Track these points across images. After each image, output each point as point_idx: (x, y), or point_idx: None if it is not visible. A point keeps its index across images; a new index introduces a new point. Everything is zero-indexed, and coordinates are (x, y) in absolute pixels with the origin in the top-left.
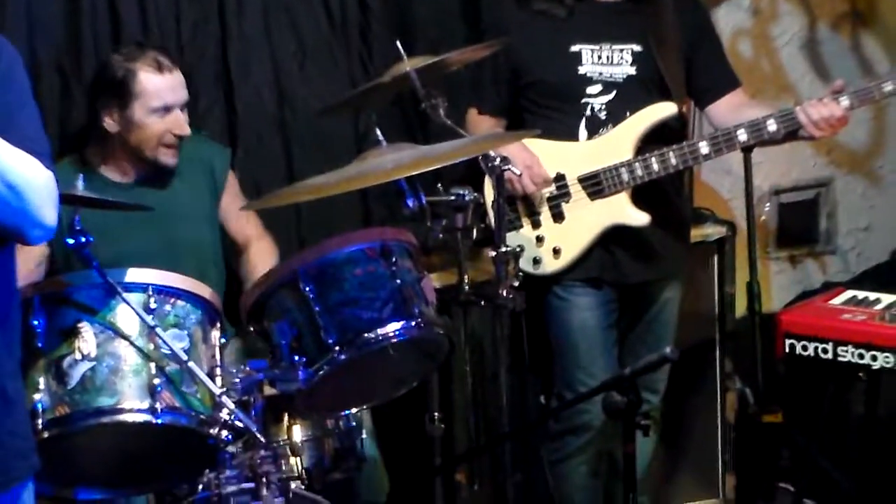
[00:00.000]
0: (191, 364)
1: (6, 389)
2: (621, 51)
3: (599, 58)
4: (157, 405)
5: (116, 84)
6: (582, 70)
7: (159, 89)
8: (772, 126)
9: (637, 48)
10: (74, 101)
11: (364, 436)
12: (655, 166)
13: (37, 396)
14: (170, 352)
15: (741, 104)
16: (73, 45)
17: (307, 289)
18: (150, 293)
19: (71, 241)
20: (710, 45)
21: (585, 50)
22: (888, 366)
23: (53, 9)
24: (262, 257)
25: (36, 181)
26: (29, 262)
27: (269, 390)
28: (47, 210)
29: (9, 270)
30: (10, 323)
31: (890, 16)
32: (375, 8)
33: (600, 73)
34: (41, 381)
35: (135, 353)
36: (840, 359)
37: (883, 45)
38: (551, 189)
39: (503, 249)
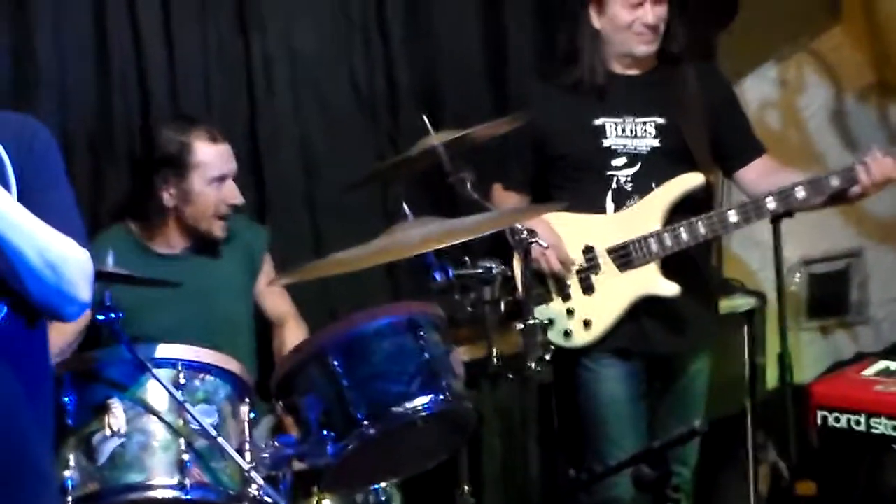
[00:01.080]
0: (220, 439)
1: (40, 466)
2: (644, 123)
3: (623, 130)
4: (187, 481)
5: (173, 157)
6: (606, 143)
7: (215, 159)
8: (800, 193)
9: (660, 120)
10: (104, 172)
11: None
12: (685, 236)
13: (67, 473)
14: (199, 427)
15: (770, 171)
16: (105, 122)
17: (335, 363)
18: (180, 368)
19: (101, 317)
20: (735, 114)
21: (609, 123)
22: None
23: (85, 87)
24: (295, 334)
25: (71, 259)
26: (63, 338)
27: (298, 465)
28: (82, 287)
29: (43, 348)
30: (43, 401)
31: None
32: (402, 83)
33: (624, 146)
34: (71, 457)
35: (164, 428)
36: (873, 431)
37: None
38: (581, 261)
39: (531, 322)
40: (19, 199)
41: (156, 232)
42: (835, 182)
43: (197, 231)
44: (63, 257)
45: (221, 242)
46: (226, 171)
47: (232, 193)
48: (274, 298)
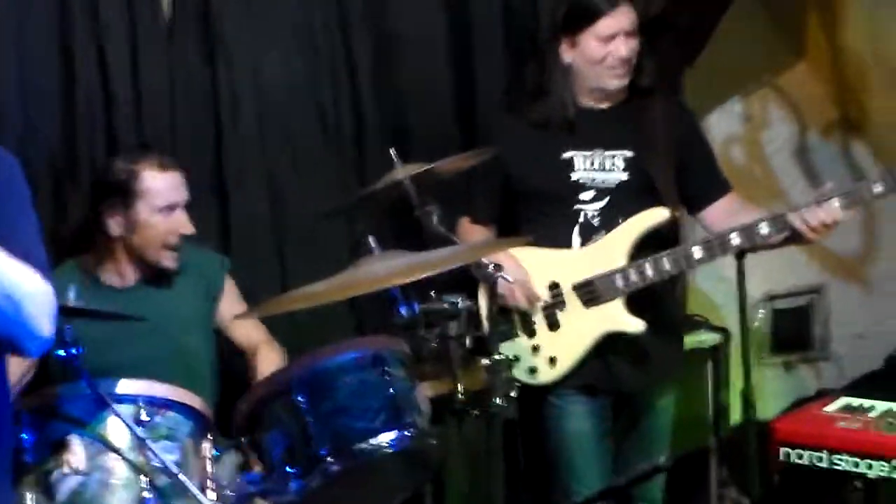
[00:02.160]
0: (182, 477)
1: None
2: (613, 157)
3: (592, 164)
4: None
5: (120, 185)
6: (574, 176)
7: (163, 188)
8: (764, 230)
9: (629, 154)
10: (68, 206)
11: None
12: (650, 272)
13: None
14: (161, 464)
15: (734, 209)
16: (69, 150)
17: (299, 398)
18: (141, 405)
19: (61, 352)
20: (701, 151)
21: (577, 157)
22: (883, 474)
23: (50, 119)
24: (269, 363)
25: (34, 293)
26: (18, 370)
27: (261, 502)
28: (44, 322)
29: (2, 384)
30: (2, 438)
31: (879, 122)
32: (369, 116)
33: (593, 180)
34: (28, 496)
35: (125, 466)
36: (836, 467)
37: (873, 150)
38: (546, 297)
39: (497, 358)
40: None
41: (106, 264)
42: (791, 224)
43: (146, 262)
44: (26, 291)
45: (174, 273)
46: (174, 200)
47: (181, 223)
48: (245, 327)
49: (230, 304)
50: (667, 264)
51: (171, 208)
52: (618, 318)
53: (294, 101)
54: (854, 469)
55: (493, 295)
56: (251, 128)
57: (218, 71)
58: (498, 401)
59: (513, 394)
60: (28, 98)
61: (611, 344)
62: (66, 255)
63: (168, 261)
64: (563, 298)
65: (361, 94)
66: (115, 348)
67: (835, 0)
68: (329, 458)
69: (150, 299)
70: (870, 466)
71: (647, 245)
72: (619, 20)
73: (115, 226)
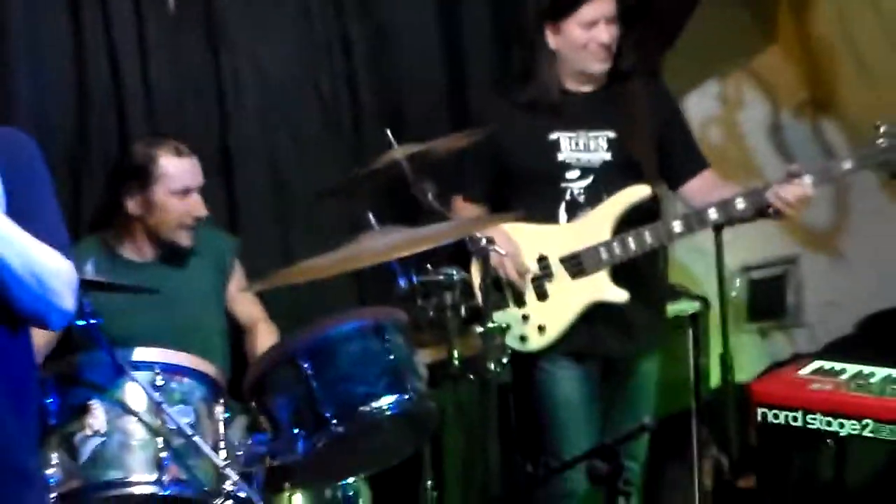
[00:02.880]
0: (196, 438)
1: (26, 467)
2: (597, 137)
3: (577, 145)
4: (164, 478)
5: (138, 169)
6: (561, 157)
7: (179, 172)
8: (740, 205)
9: (612, 134)
10: (82, 191)
11: (361, 502)
12: (632, 245)
13: (50, 471)
14: (176, 427)
15: (711, 185)
16: (83, 142)
17: (305, 365)
18: (157, 371)
19: (81, 322)
20: (680, 130)
21: (563, 137)
22: (854, 433)
23: (64, 109)
24: (266, 337)
25: (57, 271)
26: (42, 341)
27: (270, 462)
28: (66, 297)
29: (26, 353)
30: (27, 403)
31: (848, 102)
32: (366, 100)
33: (578, 160)
34: (54, 456)
35: (142, 428)
36: (809, 426)
37: (842, 129)
38: (535, 270)
39: (490, 326)
40: (8, 211)
41: (125, 241)
42: (766, 200)
43: (162, 240)
44: (49, 269)
45: (189, 251)
46: (189, 184)
47: (196, 206)
48: (244, 304)
49: (237, 284)
50: (648, 238)
51: (185, 191)
52: (603, 288)
53: (294, 87)
54: (826, 428)
55: (485, 267)
56: (254, 112)
57: (221, 60)
58: (491, 366)
59: (505, 360)
60: (42, 88)
61: (597, 313)
62: (86, 231)
63: (183, 239)
64: (552, 270)
65: (358, 78)
66: (131, 319)
67: None
68: (333, 421)
69: (166, 274)
70: (841, 425)
71: (630, 220)
72: (600, 7)
73: (133, 206)
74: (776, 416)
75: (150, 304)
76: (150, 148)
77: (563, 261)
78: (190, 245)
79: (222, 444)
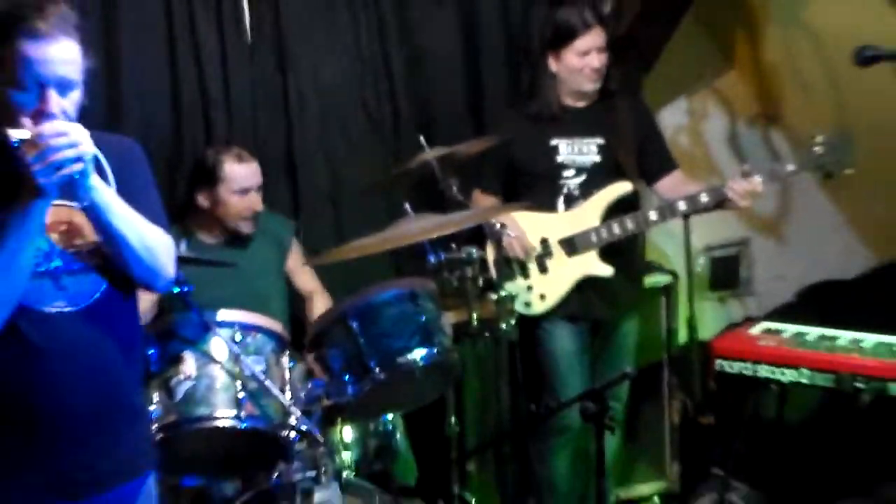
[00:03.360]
0: (267, 382)
1: (135, 404)
2: (589, 143)
3: (572, 149)
4: (242, 413)
5: (208, 171)
6: (559, 159)
7: (239, 175)
8: (704, 198)
9: (601, 141)
10: (176, 184)
11: (398, 435)
12: (617, 230)
13: (152, 408)
14: (251, 373)
15: (680, 182)
16: (175, 141)
17: (354, 325)
18: (237, 329)
19: (177, 290)
20: (655, 138)
21: (562, 143)
22: (793, 380)
23: (162, 118)
24: (321, 304)
25: (162, 245)
26: (147, 305)
27: (326, 402)
28: (169, 267)
29: (134, 314)
30: (135, 354)
31: (791, 116)
32: (403, 110)
33: (573, 161)
34: (155, 395)
35: (224, 374)
36: (757, 375)
37: (786, 138)
38: (538, 249)
39: (502, 294)
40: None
41: (202, 226)
42: (724, 195)
43: (228, 227)
44: (157, 243)
45: (252, 235)
46: (248, 185)
47: (253, 202)
48: (303, 277)
49: (295, 259)
50: (629, 224)
51: (245, 191)
52: (592, 264)
53: (345, 101)
54: (771, 376)
55: (498, 247)
56: (313, 121)
57: (288, 78)
58: (503, 326)
59: (513, 321)
60: (144, 100)
61: (587, 283)
62: (174, 220)
63: (244, 227)
64: (551, 250)
65: (397, 94)
66: (211, 288)
67: (757, 20)
68: (376, 370)
69: (233, 253)
70: (783, 374)
71: (615, 209)
72: (592, 39)
73: (203, 200)
74: (731, 367)
75: (225, 275)
76: (218, 154)
77: (561, 242)
78: (250, 232)
79: (288, 388)
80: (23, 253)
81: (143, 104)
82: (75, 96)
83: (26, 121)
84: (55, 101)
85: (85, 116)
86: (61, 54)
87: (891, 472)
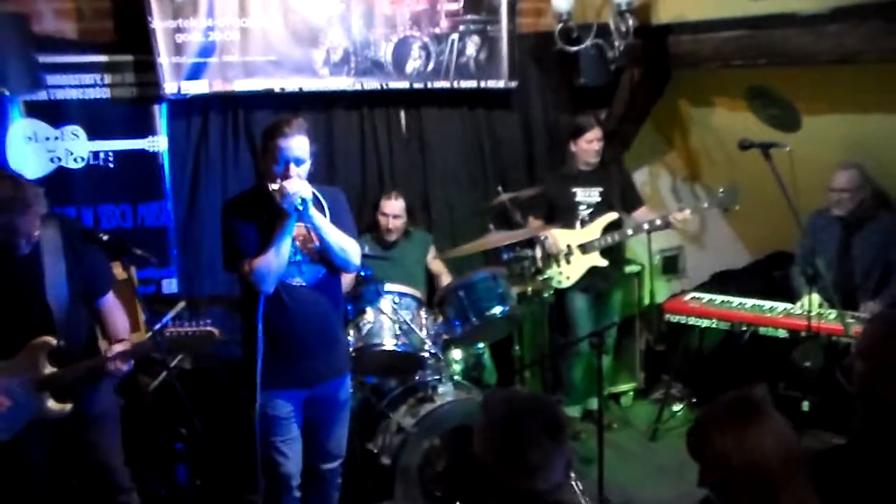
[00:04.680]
0: (412, 324)
1: (340, 336)
2: (594, 190)
3: (585, 194)
4: (398, 342)
5: (376, 205)
6: (577, 199)
7: (390, 210)
8: (658, 222)
9: (601, 189)
10: (363, 214)
11: (485, 355)
12: (610, 240)
13: (349, 338)
14: (402, 320)
15: (645, 213)
16: (363, 192)
17: (461, 293)
18: (395, 295)
19: (362, 273)
20: (631, 187)
21: (579, 190)
22: (708, 325)
23: (355, 177)
24: (444, 280)
25: (353, 247)
26: (347, 281)
27: (444, 336)
28: (357, 260)
29: (340, 286)
30: (340, 309)
31: (706, 177)
32: (489, 173)
33: (585, 200)
34: (351, 331)
35: (388, 320)
36: (689, 323)
37: (703, 189)
38: (565, 250)
39: (544, 276)
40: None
41: (374, 236)
42: (669, 221)
43: (385, 238)
44: (349, 246)
45: (400, 241)
46: (396, 213)
47: (396, 225)
48: (436, 265)
49: (431, 254)
50: (617, 236)
51: (395, 217)
52: (596, 259)
53: (457, 168)
54: (696, 323)
55: (542, 248)
56: (439, 179)
57: (425, 155)
58: (545, 295)
59: (551, 292)
60: (346, 169)
61: (593, 270)
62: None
63: (392, 238)
64: (573, 250)
65: (486, 163)
66: (382, 271)
67: (686, 124)
68: (474, 319)
69: (394, 252)
70: (702, 322)
71: (609, 228)
72: (594, 133)
73: (379, 221)
74: (674, 318)
75: (388, 265)
76: (382, 198)
77: (578, 246)
78: (394, 240)
79: (424, 328)
80: (285, 248)
81: (345, 170)
82: (305, 167)
83: (278, 181)
84: (293, 170)
85: (311, 176)
86: (298, 144)
87: (759, 377)
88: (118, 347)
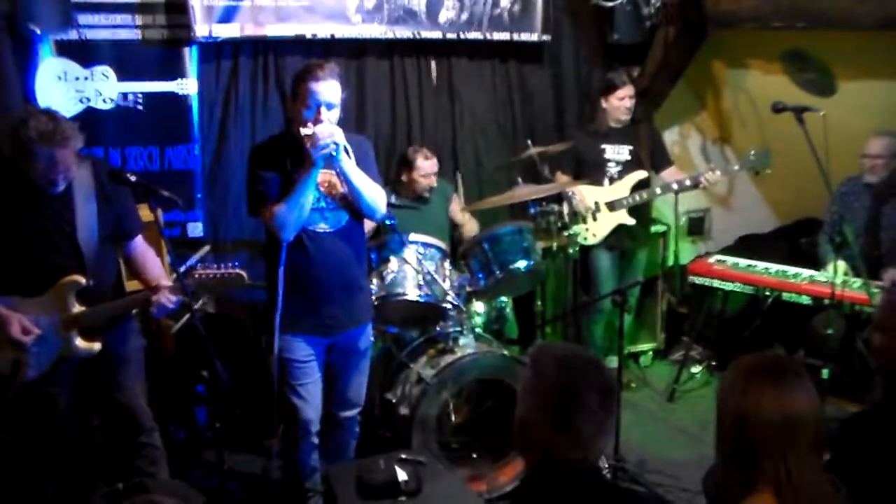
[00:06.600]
0: (436, 275)
1: (362, 284)
2: (623, 148)
3: (614, 151)
4: (421, 293)
5: (407, 161)
6: (606, 156)
7: (424, 166)
8: (687, 182)
9: (630, 147)
10: (391, 166)
11: (508, 309)
12: (637, 198)
13: (372, 287)
14: (426, 270)
15: (674, 173)
16: (392, 143)
17: (486, 246)
18: (419, 245)
19: (388, 221)
20: (660, 147)
21: (608, 147)
22: (731, 289)
23: (382, 121)
24: (469, 229)
25: (379, 195)
26: (368, 228)
27: (468, 288)
28: (383, 208)
29: (363, 234)
30: (362, 256)
31: (737, 139)
32: (519, 125)
33: (614, 157)
34: (374, 280)
35: (412, 270)
36: (713, 285)
37: (733, 150)
38: (592, 207)
39: (570, 232)
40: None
41: (402, 190)
42: (698, 181)
43: (417, 193)
44: (376, 193)
45: (431, 194)
46: (430, 172)
47: (432, 181)
48: (459, 215)
49: (454, 205)
50: (644, 195)
51: (426, 176)
52: (623, 217)
53: (487, 119)
54: (719, 286)
55: (569, 204)
56: (468, 130)
57: (455, 106)
58: (570, 251)
59: (577, 248)
60: (376, 117)
61: (619, 228)
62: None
63: (425, 193)
64: (600, 207)
65: (515, 116)
66: (407, 221)
67: (719, 85)
68: (497, 272)
69: (420, 203)
70: (727, 284)
71: (637, 186)
72: (626, 91)
73: (404, 177)
74: (697, 280)
75: (414, 215)
76: (414, 153)
77: (606, 204)
78: (427, 195)
79: (447, 279)
80: (306, 197)
81: (375, 119)
82: (336, 112)
83: (309, 125)
84: (324, 114)
85: (341, 123)
86: (330, 89)
87: (779, 339)
88: (165, 282)
